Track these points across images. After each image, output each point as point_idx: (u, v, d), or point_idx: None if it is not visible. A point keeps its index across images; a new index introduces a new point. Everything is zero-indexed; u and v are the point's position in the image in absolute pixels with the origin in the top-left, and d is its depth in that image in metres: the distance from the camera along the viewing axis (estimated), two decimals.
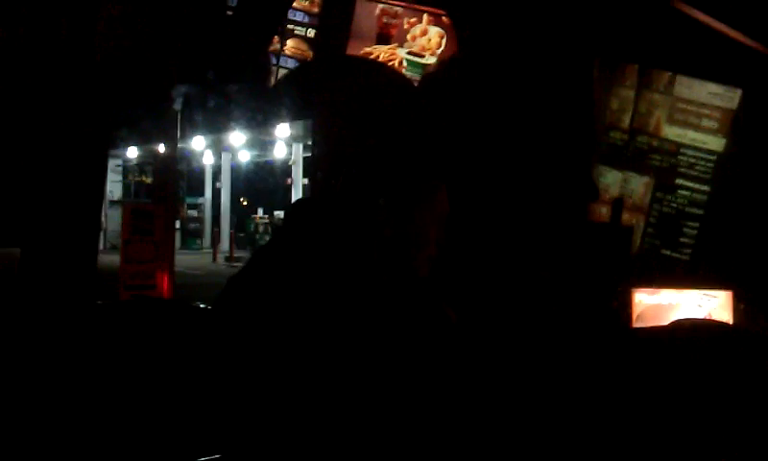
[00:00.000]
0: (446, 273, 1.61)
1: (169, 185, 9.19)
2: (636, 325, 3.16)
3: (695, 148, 4.06)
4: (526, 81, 1.71)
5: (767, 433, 1.55)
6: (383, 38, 6.12)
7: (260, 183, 27.05)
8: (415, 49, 6.12)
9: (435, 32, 6.19)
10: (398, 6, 6.04)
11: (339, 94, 1.74)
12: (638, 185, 4.12)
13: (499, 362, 1.49)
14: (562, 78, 1.70)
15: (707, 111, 4.06)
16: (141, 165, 27.31)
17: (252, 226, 25.31)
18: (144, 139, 20.36)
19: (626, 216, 3.90)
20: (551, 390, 1.50)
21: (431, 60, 6.15)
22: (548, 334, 1.57)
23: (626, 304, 3.09)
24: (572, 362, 1.52)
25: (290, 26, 6.21)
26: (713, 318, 3.04)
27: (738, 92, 3.90)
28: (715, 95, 4.00)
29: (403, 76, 2.07)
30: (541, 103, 1.69)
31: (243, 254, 19.62)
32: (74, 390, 2.38)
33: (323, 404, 1.46)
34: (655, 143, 4.05)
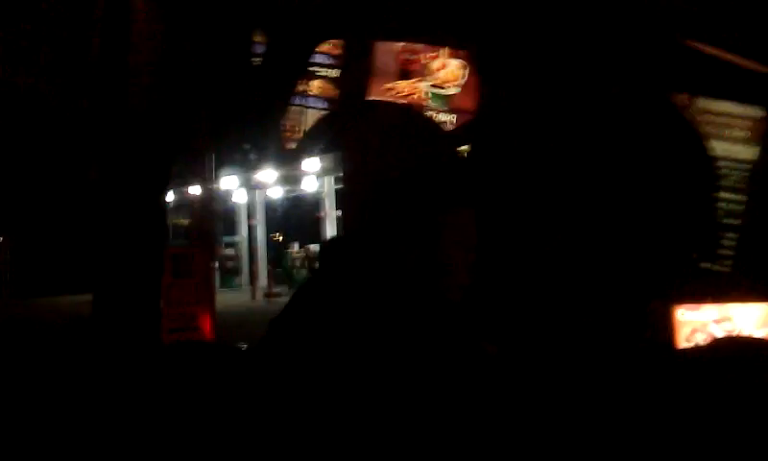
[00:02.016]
0: (484, 303, 1.62)
1: (206, 226, 9.33)
2: (679, 341, 3.12)
3: (726, 159, 4.03)
4: (550, 112, 1.73)
5: None
6: (404, 74, 6.21)
7: (293, 218, 27.27)
8: (437, 82, 6.19)
9: (455, 64, 6.26)
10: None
11: (365, 133, 1.78)
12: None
13: (540, 393, 1.50)
14: (587, 107, 1.73)
15: (735, 121, 4.05)
16: (177, 207, 27.79)
17: (289, 261, 25.46)
18: (178, 181, 20.69)
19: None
20: (593, 419, 1.50)
21: (453, 90, 6.21)
22: (588, 361, 1.58)
23: (667, 321, 3.06)
24: (614, 390, 1.53)
25: (313, 68, 6.33)
26: (755, 334, 3.00)
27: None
28: (740, 105, 4.00)
29: (421, 112, 2.11)
30: (568, 133, 1.71)
31: (281, 290, 19.72)
32: (139, 433, 2.43)
33: (367, 444, 1.48)
34: None
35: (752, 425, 1.50)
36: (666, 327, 2.94)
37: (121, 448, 2.45)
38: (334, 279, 1.69)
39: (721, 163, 3.97)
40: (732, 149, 3.98)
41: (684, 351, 2.52)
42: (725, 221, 3.96)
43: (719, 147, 3.98)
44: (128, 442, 2.42)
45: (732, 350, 1.74)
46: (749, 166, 3.93)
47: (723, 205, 3.98)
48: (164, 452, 2.41)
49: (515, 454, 1.45)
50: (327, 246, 1.79)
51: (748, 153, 3.95)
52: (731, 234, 3.94)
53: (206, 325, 7.60)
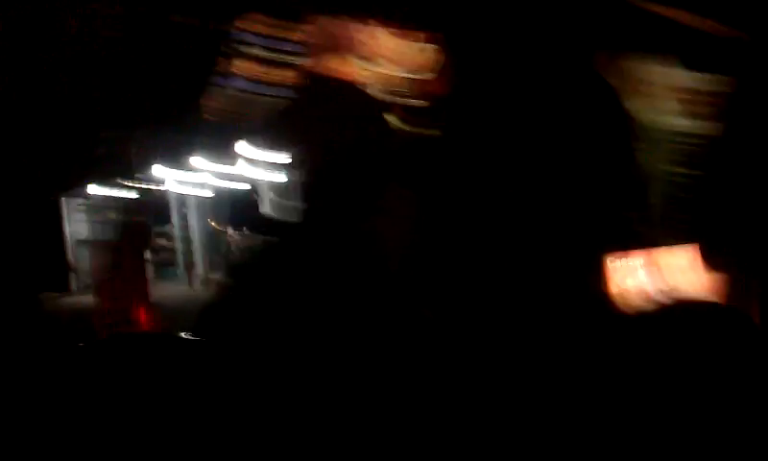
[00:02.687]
0: (421, 273, 1.63)
1: (136, 218, 9.13)
2: (611, 288, 3.22)
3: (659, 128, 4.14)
4: (503, 85, 1.73)
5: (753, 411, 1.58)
6: (338, 51, 6.13)
7: (227, 203, 26.93)
8: (367, 55, 6.13)
9: (387, 38, 6.21)
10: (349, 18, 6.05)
11: (304, 114, 1.76)
12: None
13: (477, 356, 1.52)
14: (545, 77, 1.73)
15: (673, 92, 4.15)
16: (105, 201, 27.05)
17: (224, 246, 25.17)
18: (105, 176, 20.15)
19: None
20: (535, 380, 1.53)
21: (388, 67, 6.18)
22: (527, 323, 1.60)
23: (600, 271, 3.14)
24: (559, 350, 1.55)
25: (235, 46, 6.17)
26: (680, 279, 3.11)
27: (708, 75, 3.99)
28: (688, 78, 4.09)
29: (364, 92, 2.11)
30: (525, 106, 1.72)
31: (218, 277, 19.50)
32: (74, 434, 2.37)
33: (313, 418, 1.48)
34: None
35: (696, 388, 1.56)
36: (599, 277, 3.02)
37: (65, 443, 2.39)
38: (272, 253, 1.68)
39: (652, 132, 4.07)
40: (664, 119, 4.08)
41: (624, 314, 2.60)
42: (652, 182, 4.09)
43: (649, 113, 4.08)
44: (72, 436, 2.37)
45: (680, 312, 1.79)
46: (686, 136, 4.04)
47: (651, 167, 4.10)
48: (105, 445, 2.36)
49: (447, 410, 1.48)
50: (264, 225, 1.77)
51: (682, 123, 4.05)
52: (658, 192, 4.06)
53: (143, 316, 7.46)
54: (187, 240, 26.54)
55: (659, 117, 4.11)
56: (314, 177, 1.68)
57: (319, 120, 1.68)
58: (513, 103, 1.62)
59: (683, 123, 4.06)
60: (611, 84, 4.09)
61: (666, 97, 4.07)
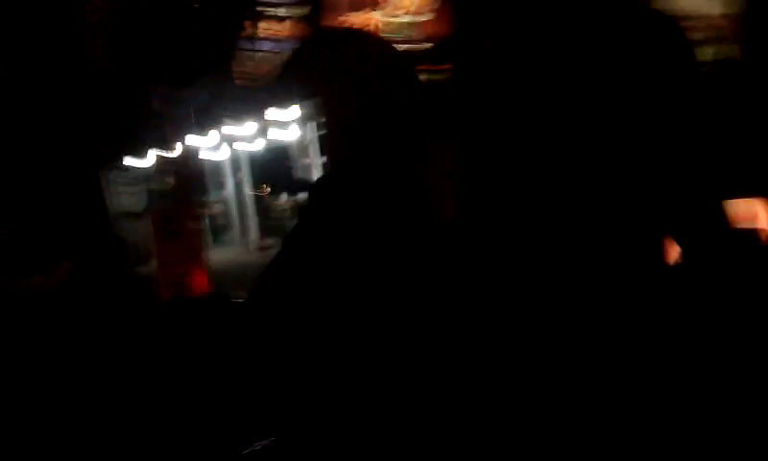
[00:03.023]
0: (473, 234, 1.63)
1: (189, 186, 9.29)
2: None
3: None
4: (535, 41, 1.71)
5: None
6: (356, 5, 6.02)
7: (280, 168, 27.12)
8: (389, 10, 6.01)
9: None
10: None
11: (333, 70, 1.77)
12: None
13: (528, 318, 1.52)
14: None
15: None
16: (159, 170, 27.51)
17: (278, 211, 25.46)
18: (154, 145, 20.49)
19: None
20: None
21: (406, 18, 6.06)
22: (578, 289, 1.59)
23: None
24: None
25: (259, 8, 6.11)
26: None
27: None
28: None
29: (384, 42, 2.07)
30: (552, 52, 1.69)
31: (272, 241, 19.74)
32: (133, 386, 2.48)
33: (366, 381, 1.51)
34: None
35: None
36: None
37: (124, 406, 2.50)
38: (321, 218, 1.70)
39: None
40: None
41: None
42: None
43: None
44: (131, 399, 2.47)
45: None
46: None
47: None
48: (166, 406, 2.46)
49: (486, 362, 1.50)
50: (312, 188, 1.80)
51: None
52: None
53: (200, 282, 7.64)
54: (241, 207, 26.95)
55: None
56: (346, 134, 1.68)
57: (346, 74, 1.68)
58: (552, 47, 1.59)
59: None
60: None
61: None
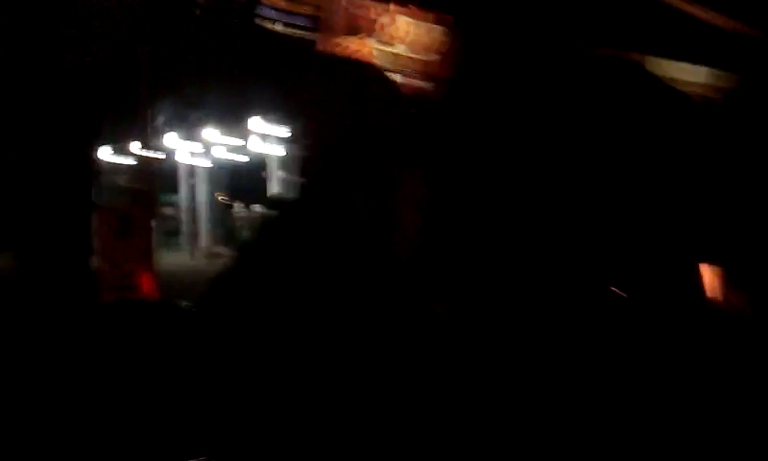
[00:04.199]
0: (432, 264, 1.64)
1: (146, 186, 9.16)
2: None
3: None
4: (514, 76, 1.74)
5: None
6: (352, 30, 6.13)
7: (239, 178, 26.89)
8: (384, 38, 6.12)
9: (403, 20, 6.20)
10: None
11: (322, 95, 1.78)
12: None
13: (489, 356, 1.53)
14: (548, 72, 1.74)
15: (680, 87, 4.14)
16: (116, 166, 27.03)
17: (230, 221, 25.22)
18: (117, 139, 20.18)
19: None
20: (545, 382, 1.55)
21: (400, 48, 6.17)
22: (541, 323, 1.62)
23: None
24: (570, 349, 1.58)
25: (257, 20, 6.16)
26: None
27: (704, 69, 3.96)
28: (685, 71, 4.07)
29: (378, 69, 2.09)
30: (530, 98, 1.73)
31: (222, 250, 19.53)
32: (66, 390, 2.42)
33: (309, 401, 1.50)
34: None
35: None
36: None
37: (62, 408, 2.43)
38: (280, 235, 1.70)
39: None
40: None
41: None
42: None
43: None
44: (70, 399, 2.41)
45: None
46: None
47: None
48: (106, 409, 2.41)
49: (457, 410, 1.50)
50: (275, 204, 1.79)
51: None
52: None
53: (147, 284, 7.51)
54: (194, 212, 26.64)
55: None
56: (324, 155, 1.68)
57: (332, 98, 1.69)
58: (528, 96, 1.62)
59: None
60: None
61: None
